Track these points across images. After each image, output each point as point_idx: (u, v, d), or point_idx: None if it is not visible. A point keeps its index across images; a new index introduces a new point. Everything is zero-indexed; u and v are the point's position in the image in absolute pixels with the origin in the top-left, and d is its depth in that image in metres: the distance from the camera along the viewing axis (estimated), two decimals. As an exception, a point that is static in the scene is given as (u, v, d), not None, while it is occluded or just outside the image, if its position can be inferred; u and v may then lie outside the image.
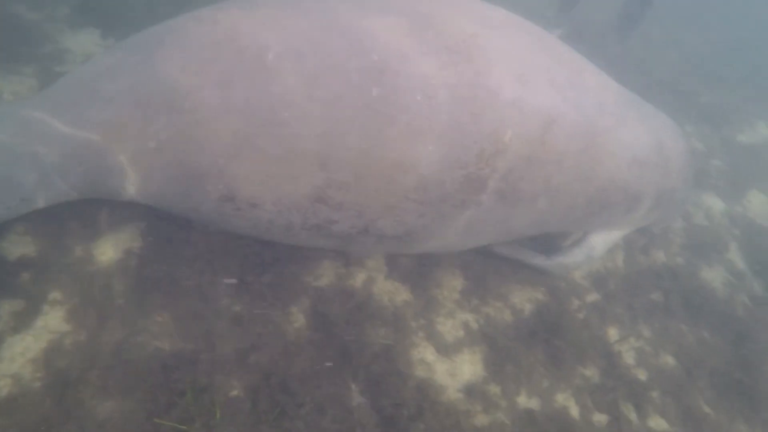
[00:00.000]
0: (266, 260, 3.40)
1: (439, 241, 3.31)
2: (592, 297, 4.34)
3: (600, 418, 3.58)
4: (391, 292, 3.62)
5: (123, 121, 2.67)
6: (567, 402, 3.55)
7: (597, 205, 3.44)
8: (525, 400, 3.43)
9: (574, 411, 3.51)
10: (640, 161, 3.45)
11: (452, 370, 3.39)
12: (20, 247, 3.06)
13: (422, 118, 2.68)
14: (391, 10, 2.86)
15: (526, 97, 2.90)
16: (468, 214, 3.06)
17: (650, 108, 3.88)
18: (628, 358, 4.07)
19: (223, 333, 3.00)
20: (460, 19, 2.93)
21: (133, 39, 3.00)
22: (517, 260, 4.06)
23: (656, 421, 3.76)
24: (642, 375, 3.99)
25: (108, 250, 3.21)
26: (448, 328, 3.62)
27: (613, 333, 4.14)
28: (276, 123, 2.63)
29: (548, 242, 4.12)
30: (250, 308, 3.14)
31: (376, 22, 2.76)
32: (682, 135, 4.21)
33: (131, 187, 2.82)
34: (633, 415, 3.69)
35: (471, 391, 3.31)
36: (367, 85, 2.62)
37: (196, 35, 2.77)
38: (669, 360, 4.17)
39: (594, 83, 3.34)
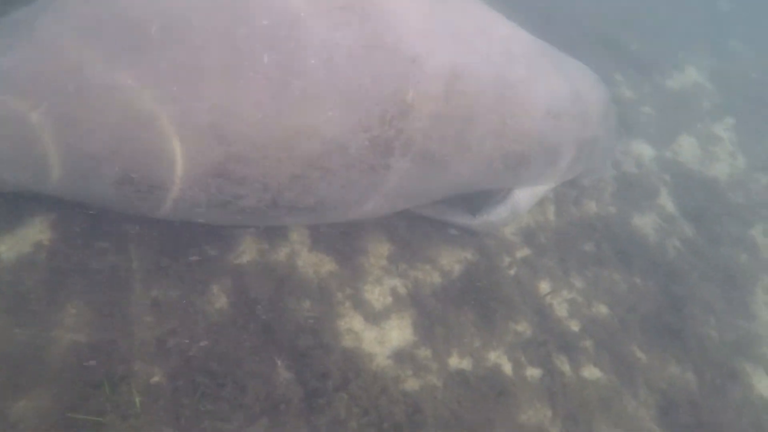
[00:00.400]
0: (185, 242, 3.30)
1: (357, 209, 3.23)
2: (523, 252, 4.38)
3: (533, 372, 3.64)
4: (316, 264, 3.55)
5: (6, 110, 2.51)
6: (499, 359, 3.59)
7: (514, 159, 3.43)
8: (457, 361, 3.46)
9: (507, 368, 3.56)
10: (555, 113, 3.45)
11: (381, 338, 3.37)
12: None
13: (318, 82, 2.58)
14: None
15: (426, 53, 2.83)
16: (379, 179, 2.99)
17: (566, 58, 3.88)
18: (561, 310, 4.14)
19: (142, 320, 2.90)
20: None
21: (11, 18, 2.81)
22: (443, 221, 4.03)
23: (590, 371, 3.86)
24: (575, 326, 4.07)
25: (15, 245, 3.07)
26: (376, 295, 3.58)
27: (544, 287, 4.20)
28: (166, 99, 2.51)
29: (475, 200, 4.12)
30: (168, 292, 3.03)
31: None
32: (602, 84, 4.24)
33: (27, 178, 2.67)
34: (566, 367, 3.77)
35: (400, 356, 3.31)
36: (258, 51, 2.51)
37: (77, 12, 2.61)
38: (602, 309, 4.27)
39: (503, 35, 3.30)
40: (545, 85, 3.42)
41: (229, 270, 3.26)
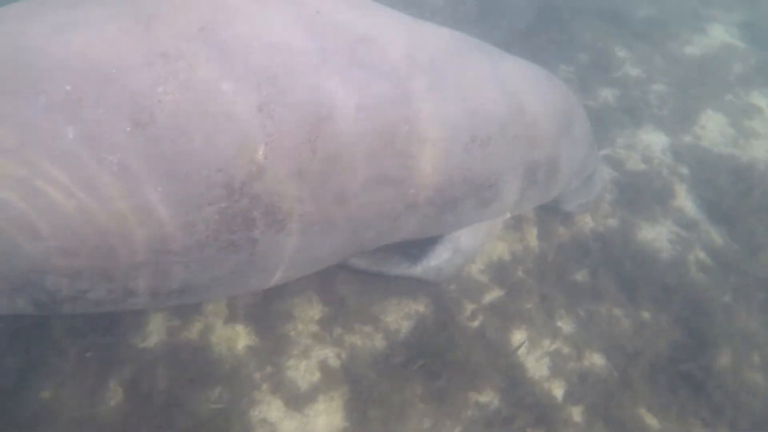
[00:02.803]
0: (87, 328, 2.97)
1: (241, 286, 2.70)
2: (493, 295, 3.59)
3: (500, 460, 2.87)
4: (231, 339, 3.15)
5: None
6: (455, 444, 2.86)
7: (428, 208, 2.70)
8: (397, 453, 2.76)
9: (464, 455, 2.83)
10: (483, 138, 2.72)
11: (303, 427, 2.89)
12: None
13: (137, 154, 2.07)
14: (98, 18, 2.16)
15: (278, 96, 2.26)
16: (249, 254, 2.45)
17: (504, 58, 3.09)
18: (540, 368, 3.33)
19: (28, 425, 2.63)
20: (188, 10, 2.22)
21: None
22: (379, 273, 3.31)
23: (580, 450, 3.02)
24: (558, 389, 3.25)
25: None
26: (302, 372, 3.09)
27: (519, 338, 3.38)
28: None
29: (414, 244, 3.35)
30: (59, 391, 2.75)
31: (71, 39, 2.10)
32: (561, 87, 3.39)
33: None
34: (546, 448, 2.97)
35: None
36: (60, 125, 2.01)
37: None
38: (596, 360, 3.42)
39: (399, 39, 2.58)
40: (466, 103, 2.67)
41: (132, 357, 2.95)
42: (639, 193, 4.37)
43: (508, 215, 3.32)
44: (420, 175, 2.60)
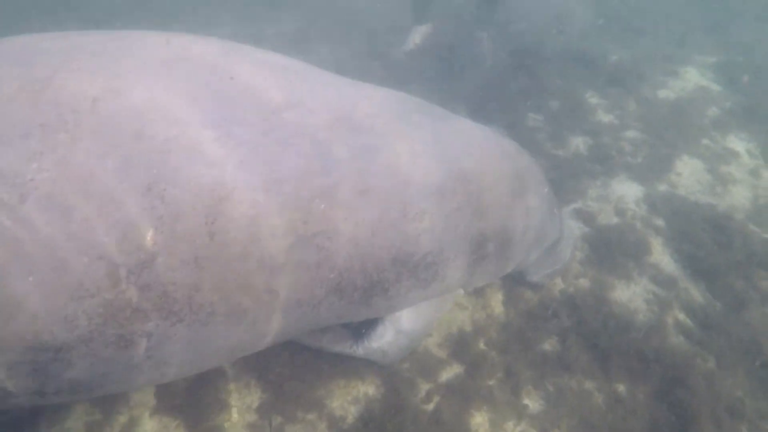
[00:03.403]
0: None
1: (142, 378, 2.41)
2: (451, 372, 3.30)
3: None
4: None
5: None
6: None
7: (354, 293, 2.45)
8: None
9: None
10: (416, 213, 2.45)
11: None
12: None
13: (3, 239, 1.84)
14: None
15: (171, 174, 2.03)
16: (145, 348, 2.18)
17: (450, 124, 2.86)
18: (501, 457, 2.99)
19: None
20: (86, 77, 2.01)
21: None
22: (322, 349, 3.05)
23: None
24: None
25: None
26: None
27: (480, 420, 3.06)
28: None
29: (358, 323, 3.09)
30: None
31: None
32: (512, 148, 3.18)
33: None
34: None
35: None
36: None
37: None
38: (566, 442, 3.08)
39: (328, 117, 2.39)
40: (397, 173, 2.42)
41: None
42: (612, 250, 4.12)
43: (461, 291, 3.06)
44: (340, 258, 2.34)
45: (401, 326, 2.87)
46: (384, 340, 2.92)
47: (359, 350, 3.02)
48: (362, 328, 3.09)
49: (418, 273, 2.60)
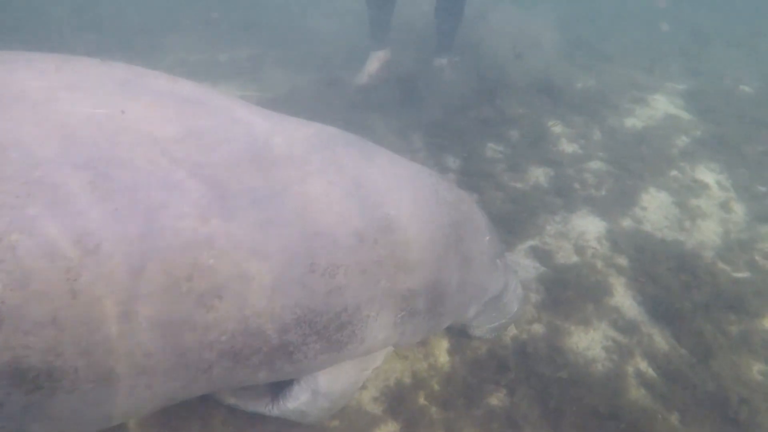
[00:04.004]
0: None
1: None
2: (385, 431, 2.96)
3: None
4: None
5: None
6: None
7: (254, 356, 2.16)
8: None
9: None
10: (327, 267, 2.18)
11: None
12: None
13: None
14: None
15: (24, 223, 1.72)
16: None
17: (377, 164, 2.56)
18: None
19: None
20: None
21: None
22: (235, 406, 2.74)
23: None
24: None
25: None
26: None
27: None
28: None
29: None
30: None
31: None
32: (450, 195, 2.88)
33: None
34: None
35: None
36: None
37: None
38: None
39: (223, 156, 2.10)
40: (305, 221, 2.14)
41: None
42: (569, 292, 3.84)
43: (391, 348, 2.76)
44: (231, 319, 2.03)
45: (318, 387, 2.56)
46: (300, 401, 2.61)
47: (274, 410, 2.70)
48: (282, 386, 2.77)
49: (330, 335, 2.29)
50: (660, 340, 3.70)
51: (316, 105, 5.85)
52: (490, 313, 3.27)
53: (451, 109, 5.68)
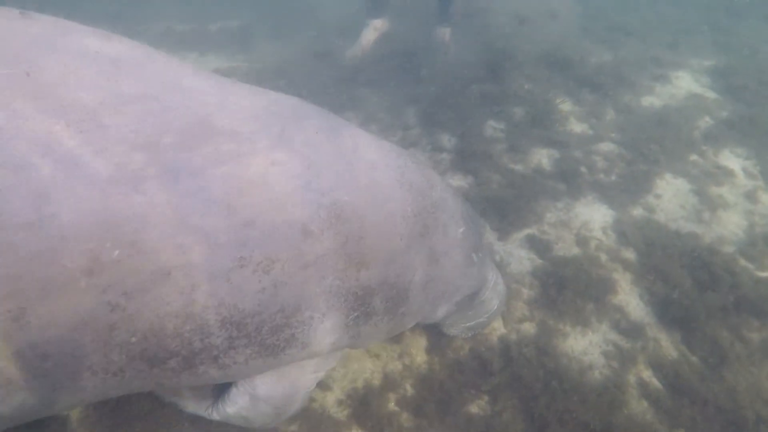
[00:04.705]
0: None
1: None
2: (349, 442, 2.67)
3: None
4: None
5: None
6: None
7: (171, 360, 1.87)
8: None
9: None
10: (260, 262, 1.89)
11: None
12: None
13: None
14: None
15: None
16: None
17: (338, 141, 2.22)
18: None
19: None
20: None
21: None
22: (178, 407, 2.48)
23: None
24: None
25: None
26: None
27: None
28: None
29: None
30: None
31: None
32: (420, 180, 2.51)
33: None
34: None
35: None
36: None
37: None
38: None
39: (158, 126, 1.87)
40: (236, 208, 1.82)
41: None
42: (567, 288, 3.48)
43: (345, 349, 2.45)
44: (141, 319, 1.74)
45: (256, 392, 2.27)
46: (238, 405, 2.34)
47: (214, 414, 2.45)
48: (227, 387, 2.50)
49: (263, 339, 1.98)
50: (668, 346, 3.34)
51: (305, 78, 5.52)
52: (464, 311, 2.94)
53: (450, 82, 5.30)
